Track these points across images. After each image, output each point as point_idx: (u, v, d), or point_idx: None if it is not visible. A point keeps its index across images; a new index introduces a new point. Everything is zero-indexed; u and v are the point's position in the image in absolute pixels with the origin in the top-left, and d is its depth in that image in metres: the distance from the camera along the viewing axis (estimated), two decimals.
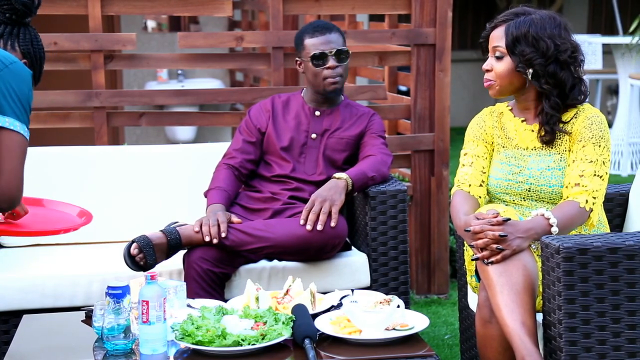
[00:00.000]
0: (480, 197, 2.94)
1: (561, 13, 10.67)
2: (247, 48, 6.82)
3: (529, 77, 2.84)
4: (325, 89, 3.60)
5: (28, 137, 2.53)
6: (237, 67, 7.62)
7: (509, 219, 2.68)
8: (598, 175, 2.81)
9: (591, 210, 2.80)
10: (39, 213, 2.99)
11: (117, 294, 2.65)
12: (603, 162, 2.83)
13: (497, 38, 2.88)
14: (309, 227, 3.31)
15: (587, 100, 2.93)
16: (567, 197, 2.81)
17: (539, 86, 2.84)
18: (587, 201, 2.78)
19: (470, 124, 3.07)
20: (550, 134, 2.87)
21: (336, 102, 3.71)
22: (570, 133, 2.87)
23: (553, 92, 2.85)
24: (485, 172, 2.98)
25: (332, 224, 3.34)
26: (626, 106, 7.58)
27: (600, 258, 2.53)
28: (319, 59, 3.57)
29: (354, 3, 4.39)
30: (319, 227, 3.31)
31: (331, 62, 3.57)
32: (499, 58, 2.88)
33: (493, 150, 3.01)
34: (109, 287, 2.67)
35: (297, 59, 3.68)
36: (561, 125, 2.88)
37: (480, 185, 2.96)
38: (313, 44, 3.59)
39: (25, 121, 2.51)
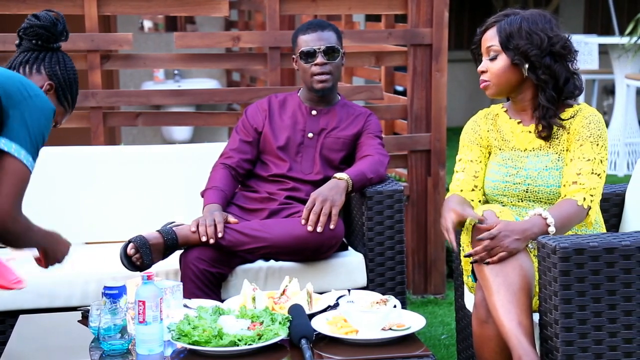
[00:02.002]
0: (472, 201, 2.95)
1: (557, 13, 10.69)
2: (244, 48, 6.82)
3: (525, 70, 2.84)
4: (313, 87, 3.61)
5: (32, 169, 2.54)
6: (233, 67, 7.62)
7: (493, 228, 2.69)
8: (596, 174, 2.82)
9: (589, 208, 2.80)
10: None
11: (114, 294, 2.65)
12: (601, 161, 2.83)
13: (490, 38, 2.89)
14: (309, 228, 3.31)
15: (582, 94, 2.94)
16: (565, 195, 2.82)
17: (535, 78, 2.85)
18: (584, 199, 2.79)
19: (465, 128, 3.08)
20: (547, 128, 2.88)
21: (332, 102, 3.71)
22: (567, 128, 2.87)
23: (549, 83, 2.85)
24: (478, 177, 2.99)
25: (332, 226, 3.34)
26: (622, 106, 7.59)
27: (596, 258, 2.53)
28: (308, 55, 3.58)
29: (350, 3, 4.39)
30: (319, 229, 3.31)
31: (319, 58, 3.57)
32: (493, 58, 2.89)
33: (490, 152, 3.01)
34: (105, 287, 2.68)
35: (293, 56, 3.69)
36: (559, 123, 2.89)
37: (473, 190, 2.97)
38: (304, 40, 3.60)
39: (32, 153, 2.53)
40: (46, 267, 2.77)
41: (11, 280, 2.68)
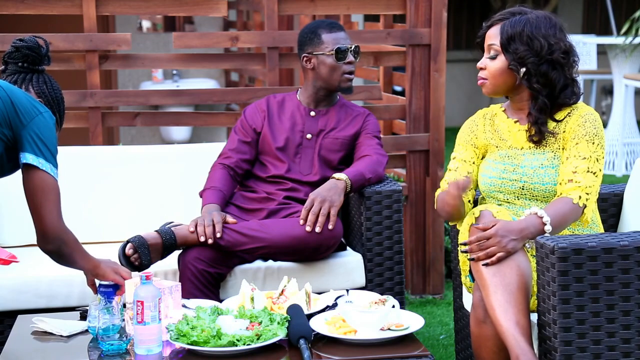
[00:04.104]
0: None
1: (556, 13, 10.73)
2: (242, 48, 6.82)
3: (521, 75, 2.85)
4: (340, 85, 3.62)
5: (57, 179, 2.69)
6: (232, 68, 7.62)
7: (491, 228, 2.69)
8: (591, 172, 2.82)
9: (585, 206, 2.80)
10: None
11: (108, 291, 2.69)
12: (597, 159, 2.83)
13: (493, 36, 2.90)
14: (308, 228, 3.31)
15: (580, 99, 2.94)
16: (561, 193, 2.82)
17: (528, 85, 2.85)
18: (580, 197, 2.79)
19: (462, 127, 3.08)
20: (539, 133, 2.89)
21: (332, 102, 3.71)
22: (558, 134, 2.88)
23: (542, 92, 2.85)
24: (469, 178, 2.99)
25: (330, 226, 3.34)
26: (620, 106, 7.59)
27: (595, 258, 2.53)
28: (343, 53, 3.58)
29: (348, 3, 4.39)
30: (317, 229, 3.31)
31: (350, 57, 3.60)
32: (493, 57, 2.89)
33: (486, 151, 3.02)
34: (100, 285, 2.72)
35: (305, 54, 3.65)
36: (554, 124, 2.89)
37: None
38: (334, 38, 3.60)
39: (54, 164, 2.67)
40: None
41: (8, 255, 2.76)
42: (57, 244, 2.69)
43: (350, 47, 3.60)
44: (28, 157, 2.63)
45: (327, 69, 3.60)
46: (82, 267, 2.82)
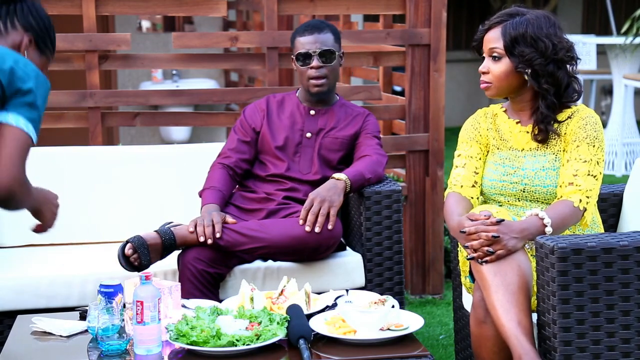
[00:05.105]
0: (472, 198, 2.95)
1: (555, 13, 10.73)
2: (242, 48, 6.82)
3: (529, 78, 2.84)
4: (309, 90, 3.61)
5: (33, 137, 2.47)
6: (231, 68, 7.62)
7: (503, 220, 2.68)
8: (592, 175, 2.82)
9: (585, 209, 2.80)
10: None
11: (109, 292, 2.67)
12: (597, 162, 2.83)
13: (494, 39, 2.88)
14: (307, 228, 3.31)
15: (581, 98, 2.93)
16: (561, 196, 2.82)
17: (538, 86, 2.84)
18: (580, 200, 2.79)
19: (464, 125, 3.07)
20: (544, 132, 2.88)
21: (331, 102, 3.71)
22: (560, 135, 2.88)
23: (550, 91, 2.85)
24: (478, 173, 2.98)
25: (330, 226, 3.34)
26: (620, 106, 7.59)
27: (594, 258, 2.53)
28: (304, 58, 3.58)
29: (348, 3, 4.39)
30: (317, 229, 3.31)
31: (315, 62, 3.57)
32: (496, 59, 2.88)
33: (488, 151, 3.01)
34: (101, 285, 2.69)
35: (292, 56, 3.68)
36: (556, 125, 2.89)
37: (473, 186, 2.96)
38: (301, 42, 3.59)
39: (31, 121, 2.45)
40: (44, 230, 2.76)
41: None
42: (5, 196, 2.44)
43: (315, 51, 3.56)
44: (6, 117, 2.41)
45: (298, 73, 3.64)
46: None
